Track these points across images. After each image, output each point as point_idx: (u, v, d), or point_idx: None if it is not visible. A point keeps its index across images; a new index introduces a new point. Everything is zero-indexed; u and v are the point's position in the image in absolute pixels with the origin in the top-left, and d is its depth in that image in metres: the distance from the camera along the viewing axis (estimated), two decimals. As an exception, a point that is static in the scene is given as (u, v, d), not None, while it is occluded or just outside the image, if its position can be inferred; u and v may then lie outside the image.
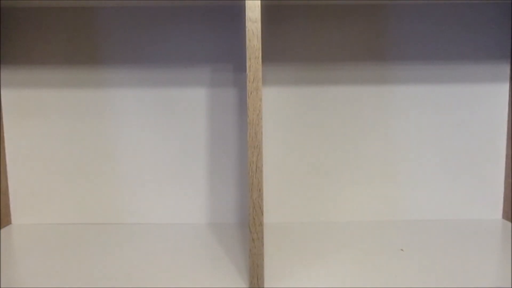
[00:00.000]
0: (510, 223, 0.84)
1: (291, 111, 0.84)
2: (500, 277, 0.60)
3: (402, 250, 0.70)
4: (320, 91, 0.84)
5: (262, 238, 0.57)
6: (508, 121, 0.85)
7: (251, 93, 0.55)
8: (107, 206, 0.86)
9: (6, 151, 0.85)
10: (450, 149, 0.86)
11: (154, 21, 0.82)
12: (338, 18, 0.82)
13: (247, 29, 0.54)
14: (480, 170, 0.86)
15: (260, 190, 0.56)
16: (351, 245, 0.73)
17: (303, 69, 0.83)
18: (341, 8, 0.82)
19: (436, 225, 0.83)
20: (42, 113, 0.85)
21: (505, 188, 0.86)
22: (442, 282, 0.59)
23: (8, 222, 0.86)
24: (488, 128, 0.85)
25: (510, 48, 0.83)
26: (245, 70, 0.83)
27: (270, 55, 0.83)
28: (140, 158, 0.85)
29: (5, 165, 0.85)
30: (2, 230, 0.83)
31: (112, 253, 0.71)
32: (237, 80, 0.84)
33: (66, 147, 0.85)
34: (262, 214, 0.56)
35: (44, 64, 0.83)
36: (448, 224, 0.84)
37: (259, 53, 0.54)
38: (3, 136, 0.85)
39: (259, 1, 0.54)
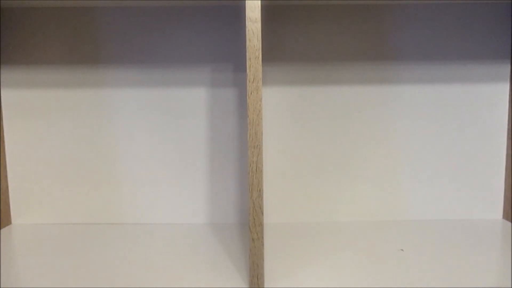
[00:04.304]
0: (510, 223, 0.84)
1: (291, 111, 0.84)
2: (500, 277, 0.60)
3: (402, 250, 0.70)
4: (320, 91, 0.84)
5: (262, 238, 0.57)
6: (508, 121, 0.85)
7: (251, 93, 0.55)
8: (107, 206, 0.86)
9: (6, 151, 0.85)
10: (450, 149, 0.86)
11: (154, 21, 0.82)
12: (338, 18, 0.82)
13: (247, 29, 0.54)
14: (480, 170, 0.86)
15: (260, 190, 0.56)
16: (351, 245, 0.73)
17: (303, 69, 0.83)
18: (341, 8, 0.82)
19: (436, 225, 0.83)
20: (42, 113, 0.85)
21: (505, 188, 0.86)
22: (442, 282, 0.59)
23: (8, 222, 0.86)
24: (488, 128, 0.85)
25: (510, 48, 0.83)
26: (245, 70, 0.83)
27: (270, 55, 0.83)
28: (140, 158, 0.85)
29: (5, 165, 0.85)
30: (2, 230, 0.83)
31: (112, 253, 0.71)
32: (237, 80, 0.84)
33: (66, 147, 0.85)
34: (262, 214, 0.56)
35: (44, 64, 0.83)
36: (448, 224, 0.84)
37: (259, 53, 0.54)
38: (3, 136, 0.85)
39: (259, 1, 0.54)
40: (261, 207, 0.56)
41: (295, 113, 0.84)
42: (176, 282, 0.60)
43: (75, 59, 0.83)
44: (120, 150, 0.85)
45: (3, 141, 0.85)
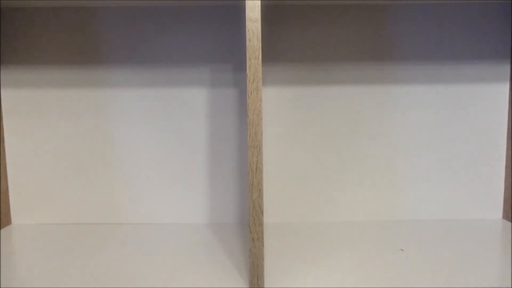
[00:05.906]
0: (510, 223, 0.84)
1: (291, 111, 0.84)
2: (500, 277, 0.60)
3: (402, 250, 0.70)
4: (320, 91, 0.84)
5: (262, 238, 0.57)
6: (508, 121, 0.85)
7: (251, 93, 0.55)
8: (107, 206, 0.86)
9: (6, 151, 0.85)
10: (450, 149, 0.86)
11: (154, 21, 0.82)
12: (338, 18, 0.82)
13: (247, 29, 0.54)
14: (480, 170, 0.86)
15: (260, 190, 0.56)
16: (351, 245, 0.73)
17: (303, 69, 0.83)
18: (341, 8, 0.82)
19: (436, 225, 0.83)
20: (42, 113, 0.85)
21: (505, 188, 0.86)
22: (442, 282, 0.59)
23: (8, 222, 0.86)
24: (488, 128, 0.85)
25: (510, 48, 0.83)
26: (245, 70, 0.83)
27: (270, 55, 0.83)
28: (140, 158, 0.85)
29: (5, 165, 0.85)
30: (2, 230, 0.83)
31: (112, 253, 0.71)
32: (237, 80, 0.84)
33: (66, 147, 0.85)
34: (262, 214, 0.56)
35: (44, 64, 0.83)
36: (448, 224, 0.84)
37: (259, 53, 0.54)
38: (3, 136, 0.85)
39: (259, 1, 0.54)
40: (261, 207, 0.56)
41: (295, 113, 0.84)
42: (176, 282, 0.60)
43: (75, 59, 0.83)
44: (120, 150, 0.85)
45: (3, 141, 0.85)
